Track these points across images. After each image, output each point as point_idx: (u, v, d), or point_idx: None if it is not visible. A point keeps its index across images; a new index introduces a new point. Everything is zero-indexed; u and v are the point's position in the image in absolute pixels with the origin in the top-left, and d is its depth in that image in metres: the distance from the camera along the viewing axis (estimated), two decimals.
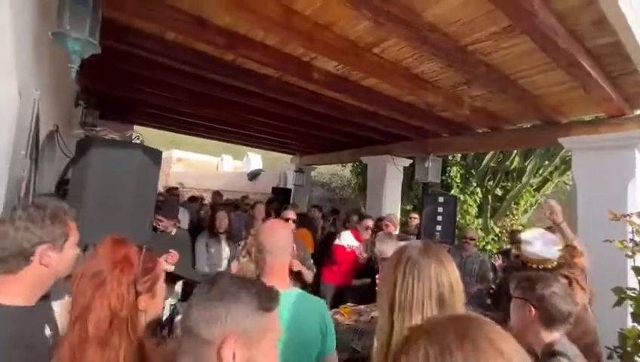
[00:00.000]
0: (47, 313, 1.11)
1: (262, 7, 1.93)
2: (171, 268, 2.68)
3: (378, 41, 2.37)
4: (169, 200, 4.75)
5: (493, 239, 5.97)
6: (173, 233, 3.06)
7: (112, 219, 1.75)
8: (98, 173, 1.68)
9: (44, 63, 1.78)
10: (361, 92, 3.30)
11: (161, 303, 1.01)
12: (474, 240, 3.84)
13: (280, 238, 1.20)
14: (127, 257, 0.93)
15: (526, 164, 5.92)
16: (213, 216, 3.49)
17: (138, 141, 1.89)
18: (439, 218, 4.24)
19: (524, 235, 1.88)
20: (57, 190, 2.68)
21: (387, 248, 2.41)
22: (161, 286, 1.01)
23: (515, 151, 5.79)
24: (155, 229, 2.97)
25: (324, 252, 3.81)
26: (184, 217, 4.10)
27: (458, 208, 5.28)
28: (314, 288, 3.72)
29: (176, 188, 5.32)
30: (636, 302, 1.46)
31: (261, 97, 3.73)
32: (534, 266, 1.76)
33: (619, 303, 1.57)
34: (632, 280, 1.76)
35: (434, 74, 2.84)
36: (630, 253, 1.57)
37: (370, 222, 3.73)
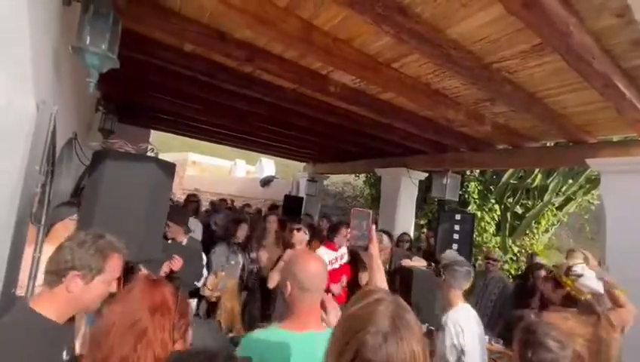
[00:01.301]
0: (69, 336, 1.09)
1: (282, 22, 1.90)
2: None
3: (398, 57, 2.31)
4: (177, 207, 4.74)
5: (511, 258, 5.74)
6: (184, 242, 3.04)
7: (123, 232, 1.73)
8: (111, 186, 1.66)
9: (64, 75, 1.80)
10: (377, 105, 3.23)
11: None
12: (498, 261, 3.64)
13: (320, 275, 1.12)
14: (165, 300, 0.86)
15: (548, 181, 5.67)
16: (235, 227, 3.50)
17: (152, 154, 1.87)
18: (455, 236, 4.09)
19: (581, 269, 1.95)
20: (72, 197, 2.71)
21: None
22: (190, 331, 0.94)
23: (537, 169, 5.57)
24: (164, 238, 2.96)
25: None
26: (197, 228, 4.09)
27: (475, 225, 5.09)
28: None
29: (195, 195, 5.32)
30: None
31: (276, 107, 3.72)
32: (583, 298, 1.89)
33: None
34: None
35: (455, 90, 2.75)
36: None
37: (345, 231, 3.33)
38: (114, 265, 1.03)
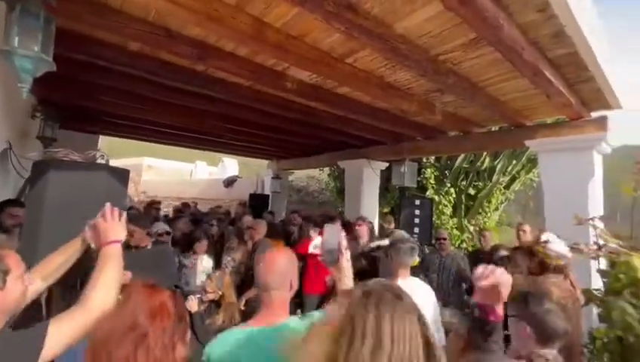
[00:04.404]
0: None
1: (232, 19, 1.87)
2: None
3: (351, 52, 2.37)
4: (141, 213, 4.58)
5: (467, 237, 6.17)
6: (149, 247, 2.93)
7: None
8: (57, 199, 1.55)
9: None
10: (335, 99, 3.30)
11: (188, 352, 0.91)
12: (446, 239, 3.97)
13: (282, 271, 1.15)
14: (164, 304, 0.85)
15: (495, 163, 6.17)
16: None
17: (102, 161, 1.76)
18: (416, 220, 4.32)
19: (546, 236, 1.99)
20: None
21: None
22: (189, 333, 0.94)
23: (486, 152, 6.03)
24: (128, 246, 2.84)
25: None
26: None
27: (434, 208, 5.41)
28: (297, 300, 3.70)
29: (159, 202, 5.15)
30: (603, 303, 1.55)
31: (233, 105, 3.65)
32: (554, 263, 1.87)
33: (586, 304, 1.65)
34: (595, 281, 1.86)
35: (406, 82, 2.88)
36: (594, 256, 1.65)
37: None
38: (14, 260, 0.98)
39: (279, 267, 1.15)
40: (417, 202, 4.40)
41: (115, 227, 1.18)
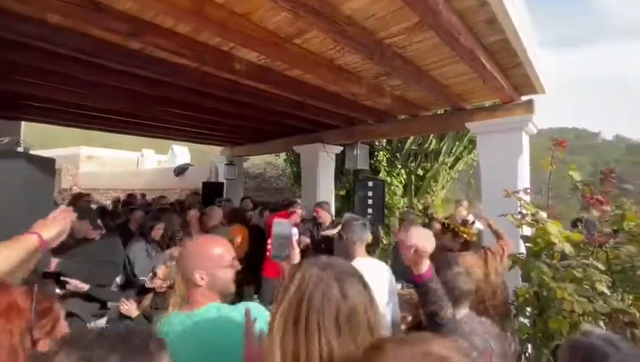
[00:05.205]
0: None
1: None
2: (87, 286, 2.41)
3: (299, 33, 2.33)
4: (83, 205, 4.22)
5: (417, 215, 6.58)
6: (97, 239, 2.73)
7: None
8: None
9: None
10: (286, 82, 3.24)
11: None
12: (404, 220, 4.17)
13: (190, 257, 1.13)
14: (12, 304, 0.77)
15: (441, 145, 6.59)
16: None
17: (21, 149, 1.57)
18: (370, 201, 4.49)
19: (472, 217, 2.31)
20: None
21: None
22: (62, 325, 0.89)
23: (432, 135, 6.39)
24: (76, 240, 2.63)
25: (255, 245, 3.73)
26: None
27: (386, 189, 5.66)
28: (255, 284, 3.69)
29: (88, 195, 4.72)
30: (524, 265, 1.76)
31: (179, 88, 3.43)
32: (474, 239, 2.22)
33: (511, 267, 1.86)
34: (523, 247, 2.10)
35: (356, 65, 2.91)
36: (518, 224, 1.86)
37: (298, 208, 3.94)
38: None
39: (191, 253, 1.14)
40: (370, 184, 4.56)
41: (49, 225, 1.13)
